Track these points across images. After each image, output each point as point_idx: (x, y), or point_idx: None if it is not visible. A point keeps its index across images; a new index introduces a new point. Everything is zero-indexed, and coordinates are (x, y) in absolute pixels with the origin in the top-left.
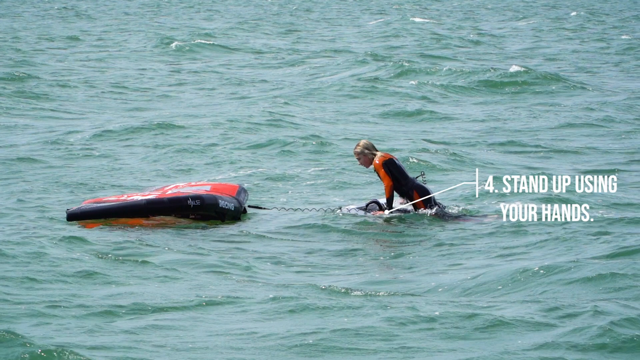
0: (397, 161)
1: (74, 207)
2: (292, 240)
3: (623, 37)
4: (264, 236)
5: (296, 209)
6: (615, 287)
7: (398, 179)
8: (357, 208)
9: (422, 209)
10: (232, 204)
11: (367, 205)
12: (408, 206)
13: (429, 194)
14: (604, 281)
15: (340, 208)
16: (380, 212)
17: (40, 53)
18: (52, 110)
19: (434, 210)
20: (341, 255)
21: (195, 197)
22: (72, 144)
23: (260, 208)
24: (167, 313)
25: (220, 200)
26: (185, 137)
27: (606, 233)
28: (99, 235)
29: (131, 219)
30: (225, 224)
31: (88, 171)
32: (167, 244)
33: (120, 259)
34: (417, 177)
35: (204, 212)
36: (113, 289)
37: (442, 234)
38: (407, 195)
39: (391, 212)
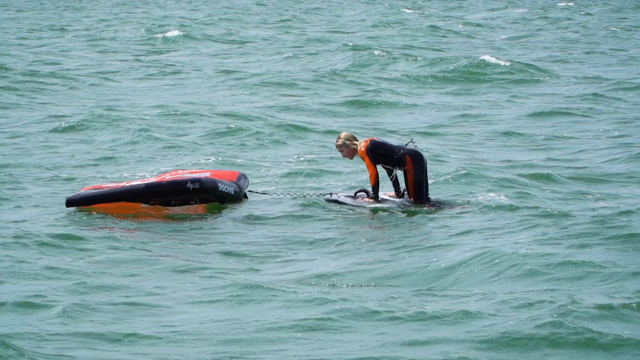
0: (378, 139)
1: (72, 194)
2: (271, 225)
3: (609, 27)
4: (245, 222)
5: (293, 196)
6: (576, 276)
7: (387, 153)
8: (346, 196)
9: (412, 199)
10: (232, 188)
11: (355, 193)
12: (399, 200)
13: (422, 157)
14: (571, 271)
15: (330, 194)
16: (368, 200)
17: (23, 41)
18: (33, 100)
19: (429, 202)
20: (319, 243)
21: (194, 180)
22: (47, 137)
23: (260, 193)
24: (144, 307)
25: (219, 184)
26: (168, 127)
27: (576, 223)
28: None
29: (131, 204)
30: (211, 213)
31: (67, 164)
32: (162, 243)
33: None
34: (407, 144)
35: (203, 195)
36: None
37: (425, 223)
38: (400, 162)
39: (380, 200)
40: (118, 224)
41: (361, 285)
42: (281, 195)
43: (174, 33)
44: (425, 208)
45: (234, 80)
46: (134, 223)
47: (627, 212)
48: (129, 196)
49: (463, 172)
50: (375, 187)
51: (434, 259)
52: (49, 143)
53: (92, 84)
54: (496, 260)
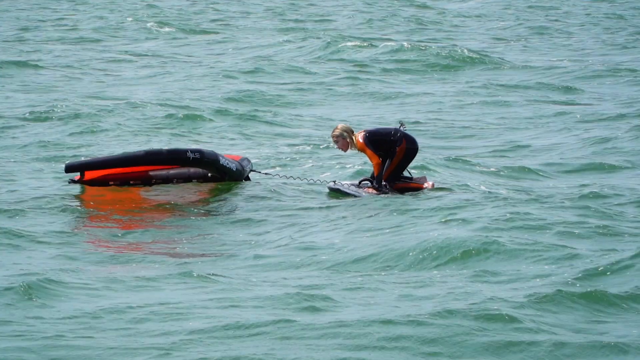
0: (370, 129)
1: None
2: (261, 210)
3: (595, 15)
4: (237, 205)
5: (296, 178)
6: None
7: (384, 138)
8: (350, 184)
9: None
10: (234, 165)
11: (359, 182)
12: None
13: (416, 144)
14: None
15: (334, 182)
16: (371, 190)
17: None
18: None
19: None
20: (308, 228)
21: (195, 150)
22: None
23: (263, 174)
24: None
25: (220, 158)
26: (143, 117)
27: (535, 211)
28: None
29: (128, 194)
30: (208, 196)
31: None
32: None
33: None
34: (399, 127)
35: (203, 166)
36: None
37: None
38: (396, 144)
39: (383, 190)
40: (108, 208)
41: (333, 270)
42: (283, 178)
43: (156, 23)
44: (388, 194)
45: (213, 69)
46: (121, 209)
47: (588, 199)
48: (128, 162)
49: (430, 161)
50: (379, 177)
51: (399, 244)
52: (18, 132)
53: (65, 75)
54: (459, 246)
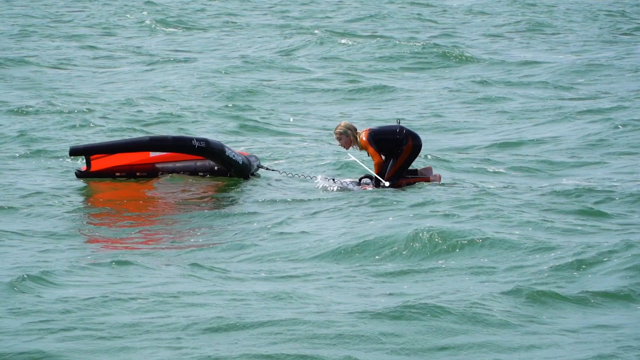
0: (375, 128)
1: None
2: (254, 204)
3: (596, 11)
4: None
5: (301, 176)
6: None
7: (388, 137)
8: (351, 181)
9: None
10: (240, 158)
11: (360, 179)
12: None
13: (420, 142)
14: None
15: (333, 179)
16: (372, 187)
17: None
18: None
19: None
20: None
21: (200, 139)
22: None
23: (271, 169)
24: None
25: (226, 149)
26: (130, 116)
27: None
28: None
29: (132, 193)
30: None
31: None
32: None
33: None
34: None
35: (208, 156)
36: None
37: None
38: (402, 142)
39: (384, 186)
40: (111, 204)
41: (324, 263)
42: (290, 175)
43: (154, 20)
44: (389, 188)
45: (210, 66)
46: (123, 204)
47: (583, 194)
48: (133, 147)
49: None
50: (380, 176)
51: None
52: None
53: (63, 72)
54: (440, 240)
